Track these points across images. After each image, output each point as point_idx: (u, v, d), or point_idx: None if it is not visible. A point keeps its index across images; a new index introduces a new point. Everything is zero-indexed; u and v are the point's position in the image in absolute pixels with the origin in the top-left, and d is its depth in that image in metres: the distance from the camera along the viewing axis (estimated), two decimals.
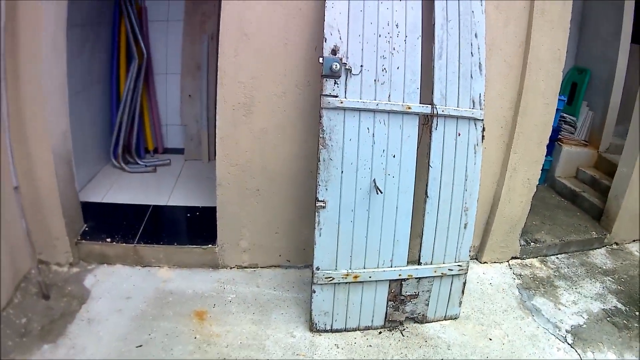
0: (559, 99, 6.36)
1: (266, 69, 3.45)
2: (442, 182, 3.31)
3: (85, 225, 3.88)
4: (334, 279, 3.23)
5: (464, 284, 3.71)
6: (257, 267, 4.02)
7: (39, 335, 3.01)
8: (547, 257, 5.26)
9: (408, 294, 3.49)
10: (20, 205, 3.18)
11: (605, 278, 5.04)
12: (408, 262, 3.41)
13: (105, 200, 4.37)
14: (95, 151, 4.82)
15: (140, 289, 3.53)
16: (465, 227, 3.48)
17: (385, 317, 3.51)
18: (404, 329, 3.61)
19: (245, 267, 3.99)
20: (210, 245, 3.84)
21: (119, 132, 4.95)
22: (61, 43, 3.46)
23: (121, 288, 3.51)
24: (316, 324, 3.37)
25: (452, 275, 3.58)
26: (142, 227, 3.98)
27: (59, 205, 3.53)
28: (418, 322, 3.68)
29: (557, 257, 5.32)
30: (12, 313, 3.13)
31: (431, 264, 3.47)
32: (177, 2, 5.24)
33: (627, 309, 4.53)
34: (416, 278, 3.45)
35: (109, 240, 3.74)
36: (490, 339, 3.73)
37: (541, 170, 6.74)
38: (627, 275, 5.18)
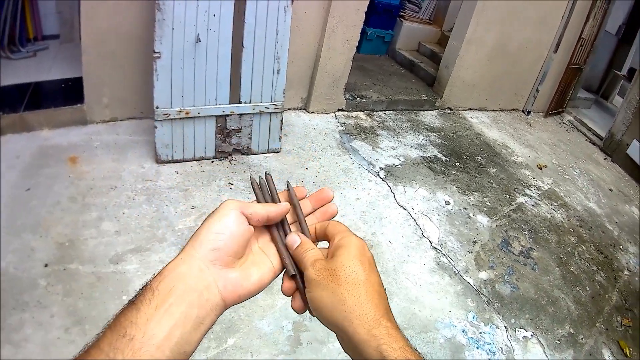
0: None
1: None
2: (256, 35, 4.04)
3: None
4: (170, 115, 3.96)
5: (281, 121, 4.49)
6: (117, 120, 4.65)
7: None
8: (374, 112, 6.01)
9: (232, 128, 4.28)
10: None
11: (430, 133, 5.88)
12: (230, 101, 4.16)
13: None
14: None
15: (26, 148, 4.10)
16: (278, 73, 4.24)
17: (216, 149, 4.29)
18: (232, 159, 4.40)
19: (108, 121, 4.62)
20: (79, 105, 4.46)
21: (4, 26, 5.39)
22: None
23: (12, 150, 4.05)
24: (160, 156, 4.11)
25: (270, 112, 4.38)
26: (26, 100, 4.52)
27: None
28: (244, 154, 4.47)
29: (385, 113, 6.09)
30: None
31: (250, 102, 4.24)
32: None
33: (448, 159, 5.39)
34: (238, 114, 4.23)
35: (0, 113, 4.24)
36: (307, 169, 4.54)
37: (383, 42, 7.62)
38: (454, 134, 6.05)
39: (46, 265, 3.01)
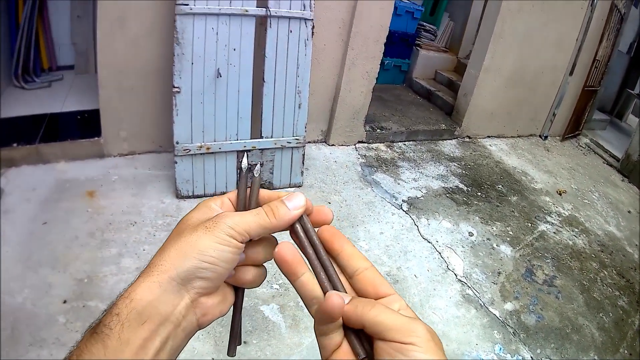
0: (416, 9, 7.19)
1: None
2: (277, 69, 4.04)
3: None
4: (190, 150, 3.94)
5: (303, 155, 4.47)
6: (135, 154, 4.63)
7: None
8: (395, 143, 6.00)
9: (254, 163, 4.19)
10: None
11: (450, 163, 5.85)
12: (252, 136, 4.14)
13: (9, 115, 4.79)
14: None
15: (43, 181, 4.07)
16: (299, 107, 4.22)
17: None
18: None
19: (126, 155, 4.60)
20: (96, 138, 4.43)
21: (18, 56, 5.37)
22: None
23: (28, 183, 4.03)
24: (180, 191, 4.08)
25: (291, 147, 4.35)
26: (41, 131, 4.51)
27: None
28: (265, 189, 4.39)
29: (405, 144, 6.07)
30: None
31: (271, 137, 4.22)
32: None
33: (469, 189, 5.35)
34: (259, 149, 4.21)
35: (15, 145, 4.22)
36: (330, 203, 4.49)
37: (400, 72, 7.62)
38: (474, 163, 6.02)
39: (65, 302, 2.96)
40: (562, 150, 7.48)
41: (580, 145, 7.99)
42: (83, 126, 4.74)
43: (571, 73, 7.16)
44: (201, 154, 4.01)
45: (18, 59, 5.38)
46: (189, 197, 4.11)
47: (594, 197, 6.17)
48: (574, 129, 7.93)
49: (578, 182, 6.47)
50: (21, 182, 4.02)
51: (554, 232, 5.01)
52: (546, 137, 7.58)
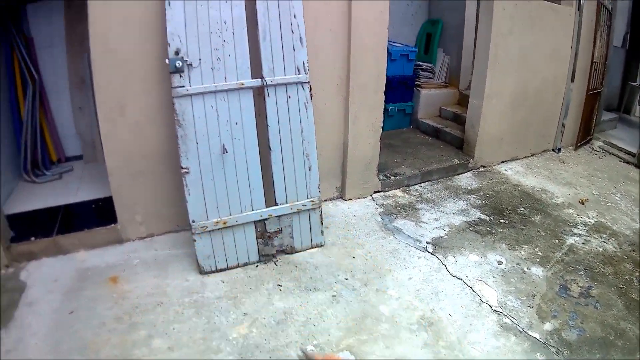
0: (410, 51, 7.26)
1: (131, 75, 4.10)
2: (281, 136, 4.12)
3: (12, 232, 4.39)
4: (207, 227, 3.99)
5: (321, 216, 4.50)
6: (154, 235, 4.68)
7: None
8: (410, 187, 6.04)
9: (272, 230, 4.28)
10: None
11: (469, 196, 5.86)
12: (266, 204, 4.20)
13: (24, 210, 4.92)
14: (9, 171, 5.33)
15: (64, 271, 4.12)
16: (310, 169, 4.29)
17: (259, 253, 4.28)
18: (277, 260, 4.37)
19: (145, 237, 4.64)
20: (113, 225, 4.49)
21: (25, 151, 5.50)
22: None
23: (49, 274, 4.08)
24: (203, 267, 4.10)
25: (308, 209, 4.39)
26: (57, 223, 4.61)
27: None
28: (288, 253, 4.45)
29: (420, 186, 6.11)
30: None
31: (286, 203, 4.27)
32: (59, 27, 5.82)
33: (491, 218, 5.35)
34: (276, 216, 4.25)
35: (33, 239, 4.29)
36: (354, 257, 4.50)
37: (404, 115, 7.69)
38: (492, 192, 6.03)
39: None
40: (578, 159, 7.45)
41: (595, 150, 7.94)
42: (98, 214, 4.82)
43: (572, 81, 7.16)
44: (219, 229, 4.04)
45: (26, 154, 5.52)
46: (212, 272, 4.13)
47: (616, 198, 6.14)
48: (585, 135, 7.89)
49: (598, 187, 6.45)
50: (42, 274, 4.09)
51: (583, 243, 4.97)
52: (559, 150, 7.55)
